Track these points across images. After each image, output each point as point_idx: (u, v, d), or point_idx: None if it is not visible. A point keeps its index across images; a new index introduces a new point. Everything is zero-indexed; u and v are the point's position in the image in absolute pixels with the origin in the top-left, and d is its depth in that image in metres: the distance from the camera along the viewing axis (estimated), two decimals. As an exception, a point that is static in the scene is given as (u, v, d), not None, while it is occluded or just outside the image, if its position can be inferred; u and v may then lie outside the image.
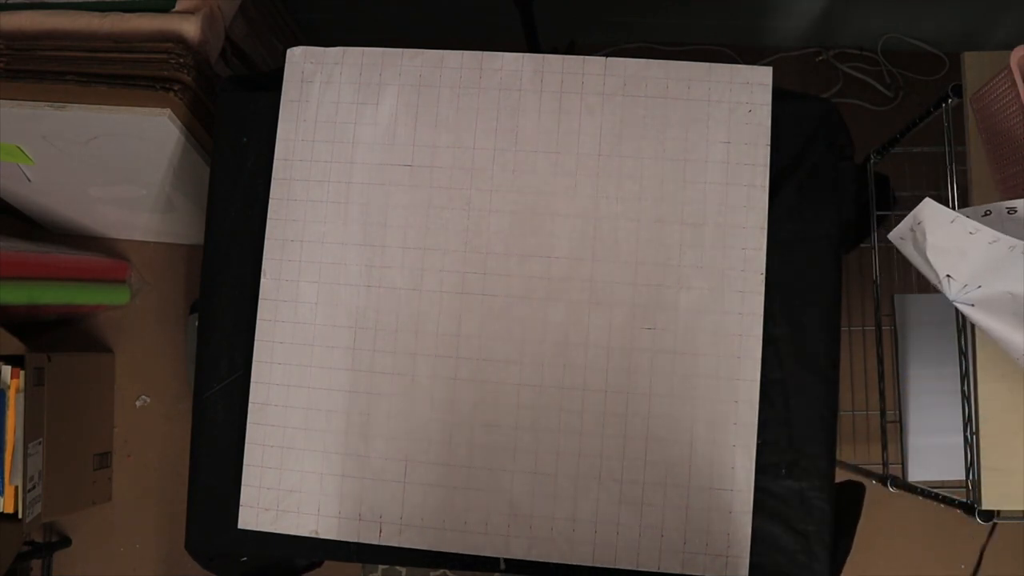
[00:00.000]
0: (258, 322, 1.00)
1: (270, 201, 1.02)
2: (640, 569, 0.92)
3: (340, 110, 1.02)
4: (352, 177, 1.01)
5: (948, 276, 0.87)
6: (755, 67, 0.98)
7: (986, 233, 0.84)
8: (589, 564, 0.92)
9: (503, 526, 0.94)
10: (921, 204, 0.88)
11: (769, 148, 0.96)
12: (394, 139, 1.00)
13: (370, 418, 0.96)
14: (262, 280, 1.01)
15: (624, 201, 0.97)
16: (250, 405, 0.99)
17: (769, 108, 0.97)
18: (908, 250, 0.92)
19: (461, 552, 0.95)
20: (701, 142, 0.97)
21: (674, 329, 0.94)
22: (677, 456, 0.93)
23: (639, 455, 0.93)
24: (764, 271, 0.94)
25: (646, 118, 0.98)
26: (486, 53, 1.00)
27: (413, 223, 0.99)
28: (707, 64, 0.98)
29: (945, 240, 0.86)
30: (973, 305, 0.88)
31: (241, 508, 0.98)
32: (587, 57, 1.00)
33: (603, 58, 0.99)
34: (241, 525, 0.98)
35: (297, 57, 1.03)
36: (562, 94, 0.99)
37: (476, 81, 1.00)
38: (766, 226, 0.95)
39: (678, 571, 0.91)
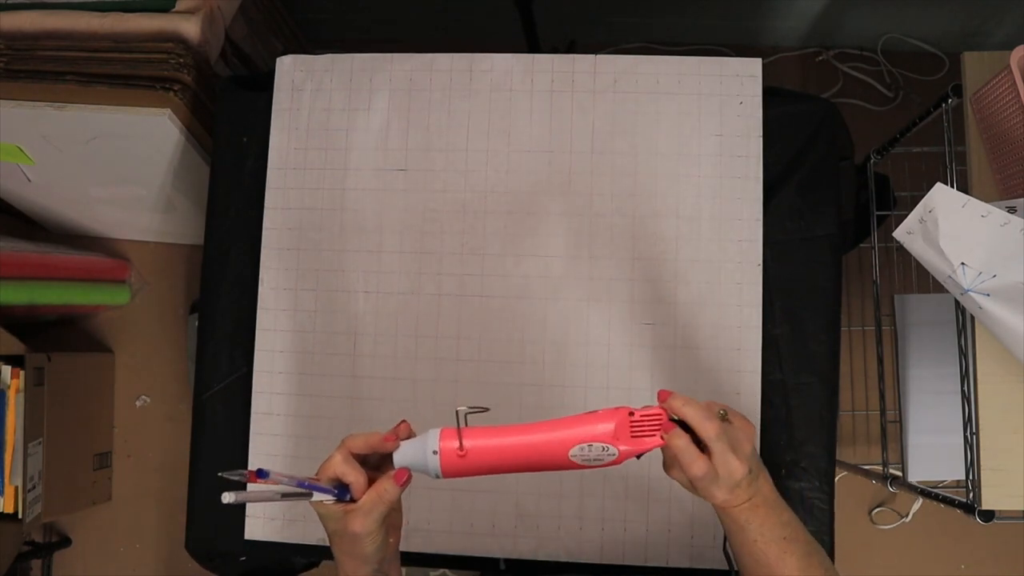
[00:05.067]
0: (257, 331, 1.00)
1: (265, 211, 1.01)
2: (648, 565, 0.92)
3: (332, 117, 1.01)
4: (346, 184, 1.00)
5: (963, 264, 0.87)
6: (744, 59, 0.98)
7: (997, 215, 0.84)
8: (597, 561, 0.92)
9: (510, 527, 0.94)
10: (932, 190, 0.88)
11: (762, 139, 0.96)
12: (387, 144, 1.00)
13: (373, 424, 0.96)
14: (260, 289, 1.00)
15: (619, 197, 0.97)
16: (252, 415, 0.99)
17: (760, 99, 0.96)
18: (917, 245, 0.92)
19: (468, 555, 0.95)
20: (694, 136, 0.97)
21: (674, 323, 0.94)
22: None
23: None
24: (761, 262, 0.94)
25: (637, 114, 0.98)
26: (475, 55, 1.00)
27: (409, 227, 0.99)
28: (697, 58, 0.98)
29: (958, 226, 0.86)
30: (989, 295, 0.88)
31: (248, 519, 0.98)
32: (577, 55, 1.00)
33: (593, 56, 0.99)
34: (248, 536, 0.97)
35: (287, 66, 1.03)
36: (552, 93, 0.99)
37: (467, 83, 1.00)
38: (761, 217, 0.95)
39: (686, 565, 0.91)
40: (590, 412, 0.63)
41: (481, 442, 0.61)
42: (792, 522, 0.65)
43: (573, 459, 0.61)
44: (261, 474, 0.56)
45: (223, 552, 1.02)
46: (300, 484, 0.59)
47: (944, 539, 1.59)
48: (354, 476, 0.60)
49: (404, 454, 0.62)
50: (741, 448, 0.61)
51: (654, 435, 0.62)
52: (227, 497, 0.54)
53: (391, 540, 0.64)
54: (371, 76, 1.01)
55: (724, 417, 0.62)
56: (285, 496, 0.59)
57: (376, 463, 0.64)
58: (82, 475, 1.60)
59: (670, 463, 0.64)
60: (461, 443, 0.61)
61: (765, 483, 0.64)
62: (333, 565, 0.64)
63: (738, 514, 0.63)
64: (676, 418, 0.62)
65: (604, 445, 0.61)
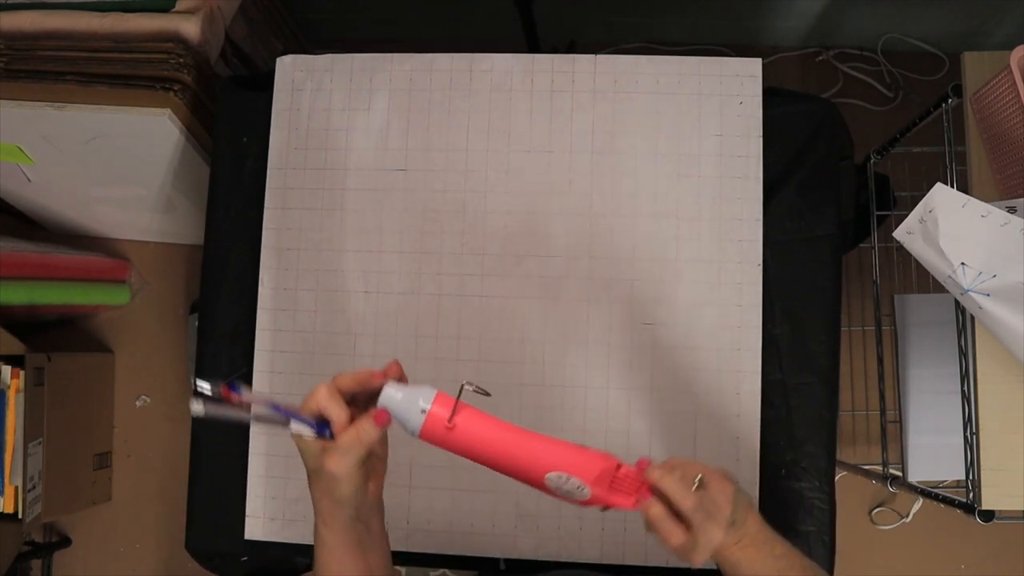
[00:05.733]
0: (257, 332, 1.00)
1: (265, 211, 1.01)
2: (648, 565, 0.92)
3: (332, 117, 1.01)
4: (346, 183, 1.00)
5: (963, 264, 0.87)
6: (744, 59, 0.98)
7: (997, 215, 0.84)
8: (597, 561, 0.92)
9: (510, 526, 0.94)
10: (932, 190, 0.88)
11: (762, 139, 0.96)
12: (387, 144, 1.00)
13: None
14: (260, 290, 1.00)
15: (619, 197, 0.97)
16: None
17: (760, 100, 0.96)
18: (917, 245, 0.92)
19: (468, 555, 0.95)
20: (694, 136, 0.97)
21: (674, 323, 0.94)
22: (681, 450, 0.93)
23: (643, 450, 0.93)
24: (761, 262, 0.94)
25: (638, 114, 0.98)
26: (475, 55, 1.00)
27: (409, 227, 0.99)
28: (696, 58, 0.98)
29: (958, 226, 0.87)
30: (989, 295, 0.88)
31: (247, 519, 0.98)
32: (577, 55, 1.00)
33: (593, 56, 0.99)
34: (248, 536, 0.98)
35: (287, 66, 1.03)
36: (553, 93, 0.99)
37: (467, 83, 1.00)
38: (761, 217, 0.95)
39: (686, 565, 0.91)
40: (581, 446, 0.61)
41: (471, 424, 0.59)
42: (786, 555, 0.64)
43: (547, 481, 0.60)
44: (233, 387, 0.54)
45: (223, 552, 1.02)
46: (276, 408, 0.56)
47: (944, 539, 1.59)
48: (336, 412, 0.58)
49: (391, 397, 0.59)
50: (720, 513, 0.60)
51: (630, 496, 0.61)
52: (195, 407, 0.51)
53: (371, 486, 0.62)
54: (371, 76, 1.01)
55: (702, 483, 0.61)
56: (258, 419, 0.56)
57: (364, 405, 0.61)
58: (82, 475, 1.60)
59: (649, 526, 0.64)
60: (452, 416, 0.58)
61: (752, 522, 0.63)
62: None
63: (728, 555, 0.63)
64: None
65: (581, 484, 0.60)
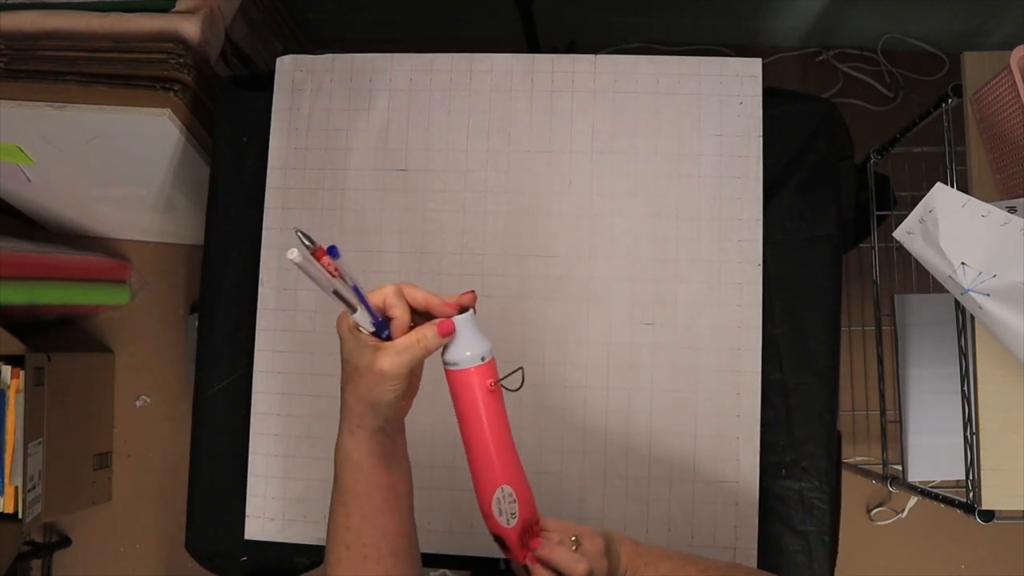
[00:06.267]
0: (257, 331, 1.00)
1: (265, 211, 1.01)
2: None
3: (332, 117, 1.01)
4: (346, 183, 1.00)
5: (963, 264, 0.87)
6: (744, 59, 0.98)
7: (997, 215, 0.84)
8: None
9: (509, 527, 0.94)
10: (932, 190, 0.88)
11: (762, 139, 0.96)
12: (387, 144, 1.00)
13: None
14: (260, 290, 1.00)
15: (619, 197, 0.97)
16: (252, 415, 0.99)
17: (760, 100, 0.96)
18: (917, 245, 0.92)
19: (468, 555, 0.95)
20: (694, 136, 0.97)
21: (674, 323, 0.94)
22: (681, 450, 0.93)
23: (643, 450, 0.93)
24: (761, 262, 0.94)
25: (638, 114, 0.98)
26: (476, 55, 1.00)
27: (409, 227, 0.99)
28: (696, 58, 0.98)
29: (958, 226, 0.87)
30: (989, 295, 0.88)
31: (247, 519, 0.98)
32: (577, 55, 1.00)
33: (593, 56, 0.99)
34: (248, 536, 0.97)
35: (287, 66, 1.03)
36: (552, 93, 0.99)
37: (467, 83, 1.00)
38: (761, 217, 0.95)
39: None
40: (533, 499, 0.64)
41: (497, 400, 0.61)
42: (675, 571, 0.66)
43: (498, 490, 0.62)
44: (332, 251, 0.54)
45: (223, 552, 1.02)
46: (357, 290, 0.56)
47: (944, 539, 1.59)
48: (400, 311, 0.57)
49: (468, 323, 0.59)
50: (600, 569, 0.62)
51: (524, 551, 0.63)
52: (293, 254, 0.51)
53: (404, 403, 0.62)
54: (371, 76, 1.01)
55: (578, 543, 0.62)
56: (336, 293, 0.56)
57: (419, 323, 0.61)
58: (82, 475, 1.60)
59: None
60: (497, 383, 0.60)
61: (625, 556, 0.65)
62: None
63: None
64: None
65: (516, 514, 0.62)
